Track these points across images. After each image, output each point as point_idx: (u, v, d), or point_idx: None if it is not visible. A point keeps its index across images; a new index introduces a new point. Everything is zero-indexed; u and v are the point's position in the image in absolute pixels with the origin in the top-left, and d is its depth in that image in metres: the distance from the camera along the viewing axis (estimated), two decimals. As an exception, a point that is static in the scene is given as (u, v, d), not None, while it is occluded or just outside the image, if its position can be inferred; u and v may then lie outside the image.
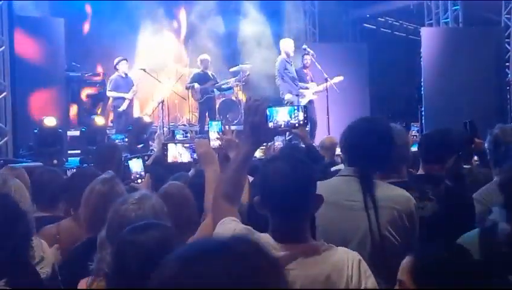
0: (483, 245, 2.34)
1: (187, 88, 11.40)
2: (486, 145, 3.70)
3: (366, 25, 16.65)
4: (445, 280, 1.76)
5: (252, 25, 12.46)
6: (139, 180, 3.74)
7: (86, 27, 12.59)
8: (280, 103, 9.97)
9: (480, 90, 11.07)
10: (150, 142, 8.69)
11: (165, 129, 10.57)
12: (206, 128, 9.37)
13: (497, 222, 2.43)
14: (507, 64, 12.07)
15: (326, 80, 10.38)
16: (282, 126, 2.34)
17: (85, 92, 11.31)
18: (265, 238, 1.96)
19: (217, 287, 0.99)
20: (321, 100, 10.47)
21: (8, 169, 3.98)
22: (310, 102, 10.41)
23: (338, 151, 5.49)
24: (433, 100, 11.29)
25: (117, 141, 8.51)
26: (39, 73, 9.48)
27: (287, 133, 7.05)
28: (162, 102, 10.91)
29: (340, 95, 10.58)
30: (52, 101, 9.73)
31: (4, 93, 8.45)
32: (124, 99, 10.33)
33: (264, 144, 5.59)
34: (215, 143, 3.01)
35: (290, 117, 2.35)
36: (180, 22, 13.56)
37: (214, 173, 2.76)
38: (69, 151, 8.90)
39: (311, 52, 10.76)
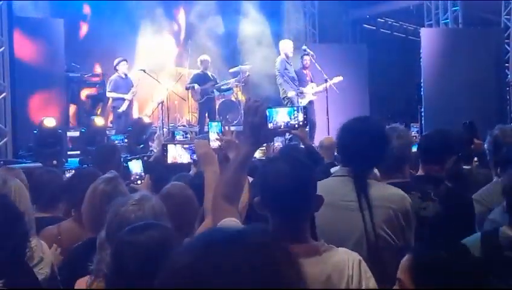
0: (486, 250, 2.34)
1: (187, 89, 11.40)
2: (485, 146, 3.71)
3: (365, 25, 16.67)
4: (444, 279, 1.75)
5: (252, 25, 12.46)
6: (139, 182, 3.74)
7: (86, 28, 12.59)
8: (280, 103, 9.98)
9: (479, 91, 11.08)
10: (150, 143, 8.69)
11: (164, 130, 10.56)
12: (205, 129, 9.36)
13: (498, 227, 2.43)
14: (506, 64, 12.08)
15: (326, 81, 10.39)
16: (282, 127, 2.33)
17: (85, 93, 11.30)
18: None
19: (235, 277, 0.96)
20: (321, 101, 10.47)
21: (5, 170, 3.96)
22: (310, 103, 10.41)
23: (338, 151, 5.48)
24: (433, 101, 11.29)
25: (117, 141, 8.50)
26: (39, 74, 9.49)
27: (287, 134, 7.04)
28: (162, 103, 10.91)
29: (339, 95, 10.58)
30: (52, 102, 9.74)
31: (4, 94, 8.44)
32: (123, 100, 10.32)
33: (264, 144, 5.59)
34: (214, 144, 3.00)
35: (290, 118, 2.35)
36: (179, 22, 13.56)
37: (214, 174, 2.75)
38: (69, 152, 8.90)
39: (311, 52, 10.76)
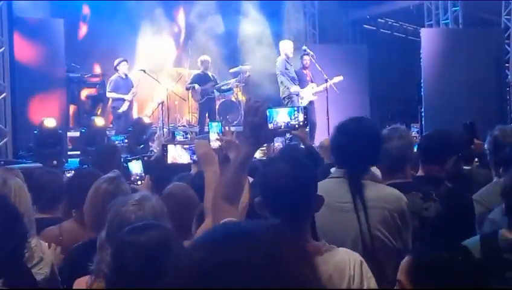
0: (485, 252, 2.34)
1: (187, 89, 11.40)
2: (486, 146, 3.70)
3: (366, 26, 16.67)
4: (443, 280, 1.75)
5: (252, 25, 12.46)
6: (139, 182, 3.73)
7: (85, 28, 12.59)
8: (280, 103, 9.99)
9: (480, 91, 11.07)
10: (150, 143, 8.69)
11: (164, 130, 10.56)
12: (206, 129, 9.36)
13: (497, 230, 2.43)
14: (507, 65, 12.08)
15: (326, 81, 10.38)
16: (282, 127, 2.33)
17: (85, 93, 11.29)
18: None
19: (252, 273, 0.94)
20: (321, 101, 10.46)
21: (3, 170, 3.95)
22: (310, 103, 10.41)
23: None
24: (433, 101, 11.29)
25: (117, 142, 8.49)
26: (39, 74, 9.49)
27: (287, 134, 7.04)
28: (162, 103, 10.90)
29: (340, 96, 10.57)
30: (52, 102, 9.74)
31: (4, 94, 8.45)
32: (123, 100, 10.32)
33: (264, 145, 5.58)
34: (215, 144, 3.00)
35: (290, 118, 2.35)
36: (179, 22, 13.55)
37: (214, 174, 2.75)
38: (69, 153, 8.90)
39: (311, 53, 10.76)
